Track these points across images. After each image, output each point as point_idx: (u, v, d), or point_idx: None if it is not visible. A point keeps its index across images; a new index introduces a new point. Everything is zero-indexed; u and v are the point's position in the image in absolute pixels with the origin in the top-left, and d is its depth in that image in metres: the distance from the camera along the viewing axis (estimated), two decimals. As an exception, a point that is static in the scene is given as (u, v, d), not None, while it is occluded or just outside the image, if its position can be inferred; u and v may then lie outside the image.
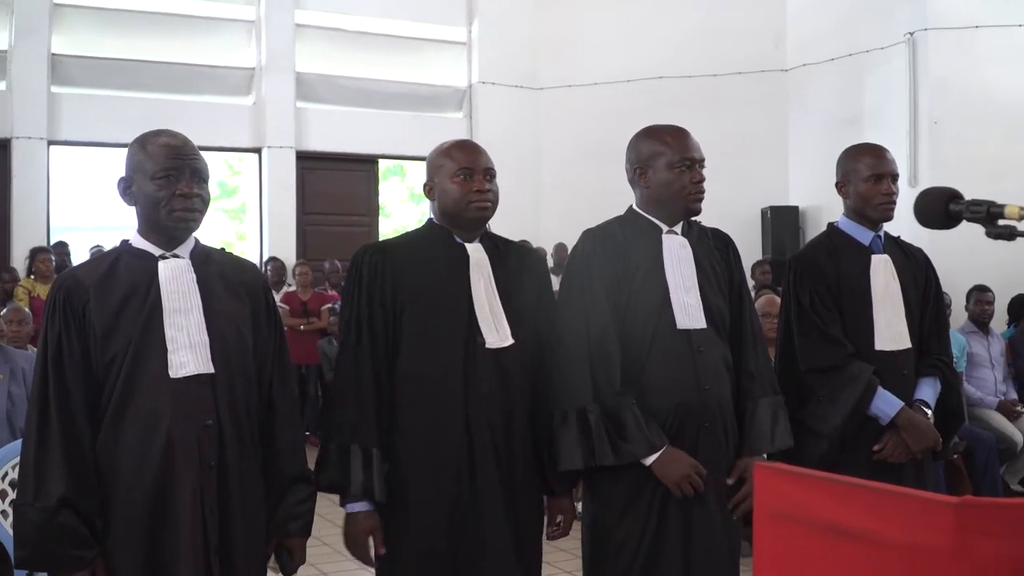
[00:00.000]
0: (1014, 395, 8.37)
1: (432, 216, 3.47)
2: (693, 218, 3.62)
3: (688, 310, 3.45)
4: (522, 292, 3.42)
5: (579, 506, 3.70)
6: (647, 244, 3.52)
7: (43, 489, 2.74)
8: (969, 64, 11.85)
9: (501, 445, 3.27)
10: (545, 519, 3.48)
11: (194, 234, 3.04)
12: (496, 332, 3.30)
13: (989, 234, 2.28)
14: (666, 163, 3.49)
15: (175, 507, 2.82)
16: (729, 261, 3.65)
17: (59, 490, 2.73)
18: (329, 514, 3.21)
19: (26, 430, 2.84)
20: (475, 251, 3.38)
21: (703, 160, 3.53)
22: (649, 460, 3.33)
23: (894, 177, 3.99)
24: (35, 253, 11.31)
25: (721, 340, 3.51)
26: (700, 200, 3.52)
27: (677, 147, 3.50)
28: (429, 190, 3.43)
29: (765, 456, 3.49)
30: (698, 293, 3.48)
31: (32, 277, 11.09)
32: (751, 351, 3.57)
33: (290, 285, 12.55)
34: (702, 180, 3.51)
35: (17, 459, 4.37)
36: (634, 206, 3.63)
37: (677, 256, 3.51)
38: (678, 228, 3.56)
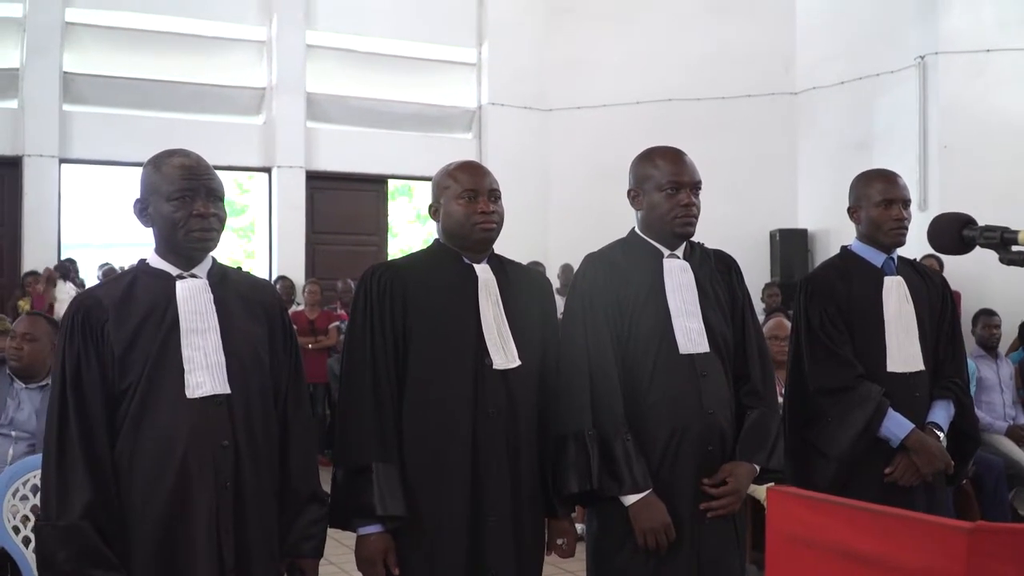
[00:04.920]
0: (1023, 420, 8.34)
1: (438, 237, 3.46)
2: (697, 240, 3.60)
3: (690, 335, 3.42)
4: (528, 313, 3.41)
5: (581, 528, 3.68)
6: (648, 268, 3.49)
7: (65, 504, 2.71)
8: (980, 88, 11.85)
9: (507, 465, 3.26)
10: (546, 540, 3.46)
11: (211, 253, 3.03)
12: (504, 353, 3.29)
13: (1003, 260, 2.28)
14: (654, 186, 3.46)
15: (191, 527, 2.80)
16: (732, 282, 3.61)
17: (83, 498, 2.70)
18: (335, 533, 3.20)
19: (45, 450, 2.81)
20: (483, 272, 3.37)
21: (696, 183, 3.47)
22: (628, 500, 3.31)
23: (906, 203, 3.95)
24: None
25: (725, 364, 3.48)
26: (688, 224, 3.46)
27: (665, 170, 3.46)
28: (434, 211, 3.42)
29: (757, 468, 3.44)
30: (700, 317, 3.45)
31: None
32: (756, 370, 3.54)
33: (299, 304, 12.56)
34: (691, 204, 3.44)
35: (30, 475, 4.38)
36: (636, 229, 3.60)
37: (679, 281, 3.48)
38: (679, 252, 3.53)
